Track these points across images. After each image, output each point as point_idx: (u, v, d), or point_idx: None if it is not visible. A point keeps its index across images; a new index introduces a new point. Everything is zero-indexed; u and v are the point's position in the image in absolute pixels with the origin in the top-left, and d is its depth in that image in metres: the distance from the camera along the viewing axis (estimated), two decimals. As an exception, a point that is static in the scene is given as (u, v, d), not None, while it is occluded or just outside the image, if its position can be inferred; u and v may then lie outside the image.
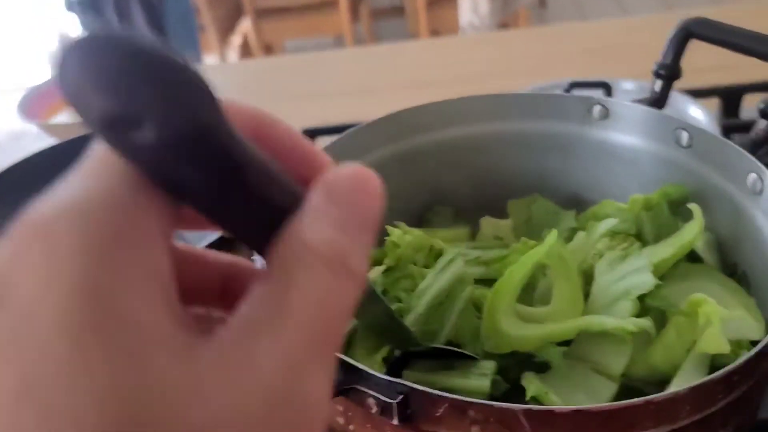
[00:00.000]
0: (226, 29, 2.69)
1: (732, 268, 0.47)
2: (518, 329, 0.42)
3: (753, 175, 0.43)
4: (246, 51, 2.71)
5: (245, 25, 2.71)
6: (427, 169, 0.56)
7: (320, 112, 1.05)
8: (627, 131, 0.51)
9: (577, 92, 0.78)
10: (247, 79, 1.24)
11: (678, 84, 0.84)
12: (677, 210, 0.48)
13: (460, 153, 0.56)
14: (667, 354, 0.40)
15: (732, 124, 0.78)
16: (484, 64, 1.13)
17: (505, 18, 2.53)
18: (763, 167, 0.43)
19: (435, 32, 2.57)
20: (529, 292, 0.47)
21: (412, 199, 0.57)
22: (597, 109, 0.52)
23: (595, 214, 0.51)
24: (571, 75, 1.00)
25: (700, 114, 0.76)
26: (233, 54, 2.62)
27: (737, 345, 0.40)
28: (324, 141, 0.84)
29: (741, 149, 0.44)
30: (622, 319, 0.41)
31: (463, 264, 0.44)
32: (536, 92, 0.62)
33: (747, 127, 0.79)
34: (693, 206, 0.45)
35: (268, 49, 2.74)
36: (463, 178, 0.57)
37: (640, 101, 0.52)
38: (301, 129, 0.84)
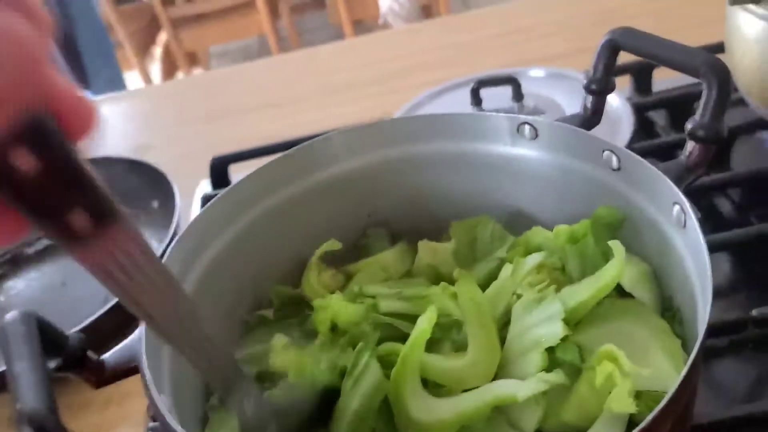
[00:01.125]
0: (144, 43, 2.59)
1: (668, 302, 0.44)
2: (430, 413, 0.40)
3: (677, 207, 0.40)
4: (169, 61, 2.60)
5: (165, 36, 2.61)
6: (358, 195, 0.54)
7: (243, 128, 1.01)
8: (557, 151, 0.48)
9: (486, 91, 0.74)
10: (165, 102, 1.18)
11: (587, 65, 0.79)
12: (612, 235, 0.45)
13: (391, 176, 0.54)
14: (581, 410, 0.38)
15: (645, 102, 0.77)
16: (406, 59, 1.10)
17: (426, 0, 2.44)
18: (686, 201, 0.39)
19: (357, 21, 2.48)
20: (451, 333, 0.45)
21: (348, 227, 0.55)
22: (526, 128, 0.49)
23: (525, 243, 0.48)
24: (491, 63, 0.97)
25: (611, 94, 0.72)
26: (156, 67, 2.52)
27: (653, 399, 0.37)
28: (237, 167, 0.79)
29: (666, 178, 0.41)
30: (532, 373, 0.39)
31: (379, 370, 0.40)
32: (465, 113, 0.59)
33: (660, 104, 0.77)
34: (614, 243, 0.42)
35: (192, 58, 2.64)
36: (399, 200, 0.55)
37: (572, 117, 0.48)
38: (212, 156, 0.80)
